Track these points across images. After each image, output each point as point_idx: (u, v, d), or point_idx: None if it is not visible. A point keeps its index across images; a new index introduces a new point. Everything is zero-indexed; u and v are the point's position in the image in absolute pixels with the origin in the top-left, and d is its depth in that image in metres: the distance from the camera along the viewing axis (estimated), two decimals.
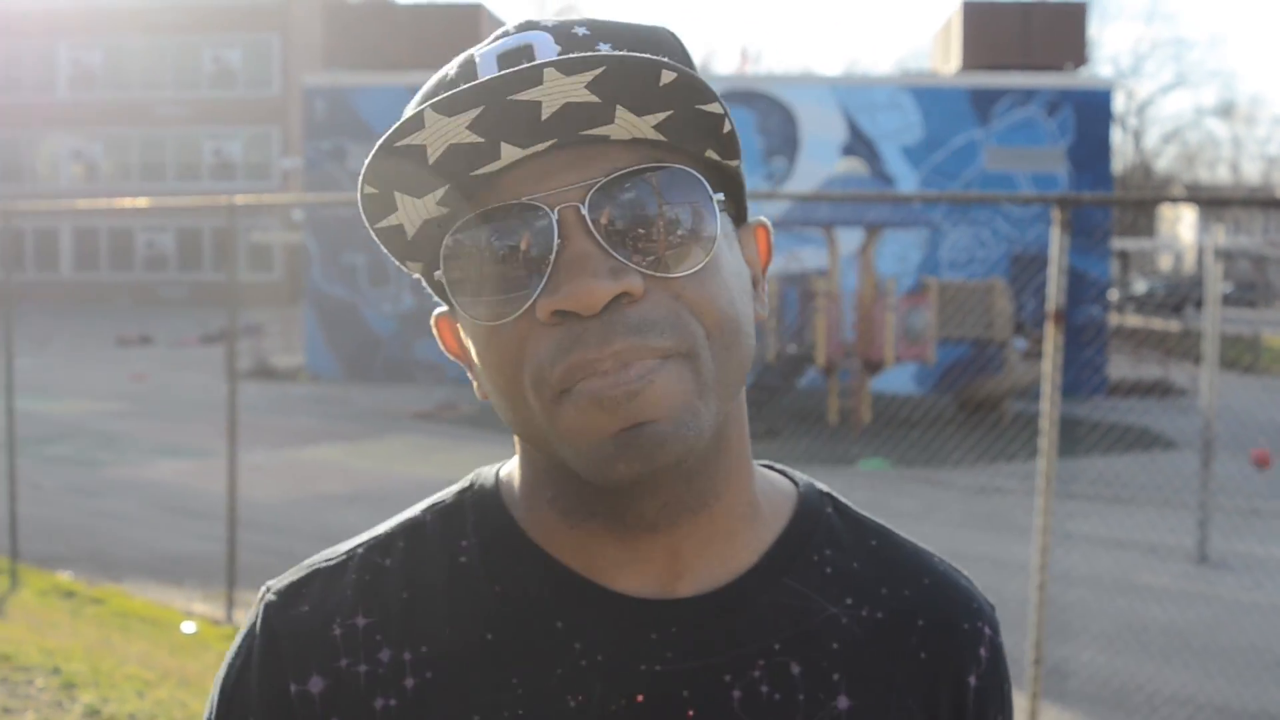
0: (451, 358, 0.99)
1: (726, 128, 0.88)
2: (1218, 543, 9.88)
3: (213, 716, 0.97)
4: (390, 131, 0.83)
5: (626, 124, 0.85)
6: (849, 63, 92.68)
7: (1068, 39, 23.33)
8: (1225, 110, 66.57)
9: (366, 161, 0.84)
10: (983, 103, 21.44)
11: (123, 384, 21.22)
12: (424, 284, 0.96)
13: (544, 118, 0.83)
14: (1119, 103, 52.93)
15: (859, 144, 21.32)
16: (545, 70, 0.80)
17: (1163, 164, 61.33)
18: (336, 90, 22.77)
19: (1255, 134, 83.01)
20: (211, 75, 44.87)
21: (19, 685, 5.62)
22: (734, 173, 0.93)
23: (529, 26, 0.90)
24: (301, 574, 0.99)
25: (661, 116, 0.85)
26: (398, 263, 0.94)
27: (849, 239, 18.06)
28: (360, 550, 1.00)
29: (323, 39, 24.32)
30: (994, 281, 17.75)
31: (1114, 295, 30.67)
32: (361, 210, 0.88)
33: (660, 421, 0.83)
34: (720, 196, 0.89)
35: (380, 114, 22.19)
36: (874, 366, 16.20)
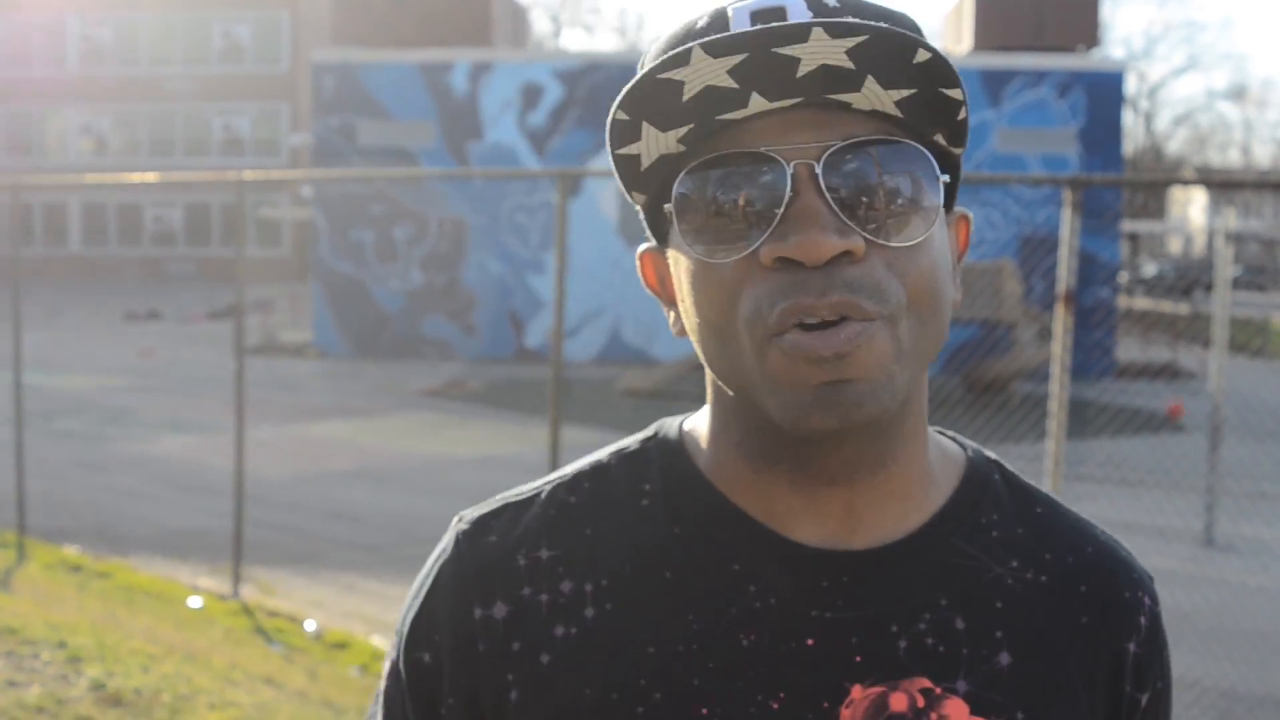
0: (650, 293, 1.04)
1: (961, 115, 0.92)
2: (1225, 526, 9.86)
3: (404, 632, 1.03)
4: (658, 62, 0.87)
5: (871, 95, 0.89)
6: None
7: (1080, 20, 23.20)
8: (1237, 93, 66.42)
9: (626, 88, 0.88)
10: (994, 84, 21.35)
11: (130, 359, 21.25)
12: (640, 215, 1.01)
13: (798, 75, 0.87)
14: (1130, 85, 52.72)
15: None
16: (813, 29, 0.84)
17: (1174, 147, 61.16)
18: (345, 67, 22.70)
19: (1266, 117, 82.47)
20: (221, 51, 44.82)
21: (25, 658, 5.63)
22: (956, 160, 0.97)
23: None
24: (492, 506, 1.05)
25: (906, 93, 0.89)
26: (624, 190, 0.99)
27: None
28: (548, 488, 1.06)
29: (332, 15, 24.22)
30: (1003, 263, 17.69)
31: (1123, 278, 30.58)
32: (608, 134, 0.92)
33: (860, 381, 0.88)
34: (946, 178, 0.93)
35: (389, 90, 22.11)
36: None
